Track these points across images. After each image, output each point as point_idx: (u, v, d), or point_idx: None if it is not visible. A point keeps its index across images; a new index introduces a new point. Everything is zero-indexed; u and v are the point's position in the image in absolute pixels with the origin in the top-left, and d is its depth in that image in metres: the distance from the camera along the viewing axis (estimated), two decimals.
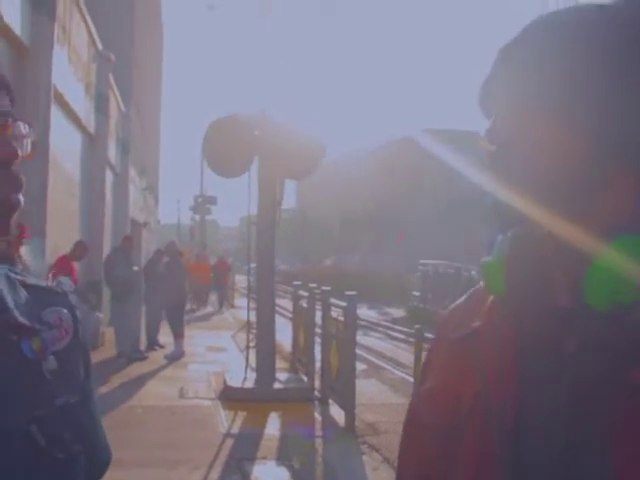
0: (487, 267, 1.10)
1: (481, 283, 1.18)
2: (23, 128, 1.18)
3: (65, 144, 13.11)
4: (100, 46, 16.88)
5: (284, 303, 21.04)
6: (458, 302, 1.26)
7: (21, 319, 1.18)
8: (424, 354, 7.09)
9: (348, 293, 9.56)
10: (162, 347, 15.32)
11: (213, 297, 31.35)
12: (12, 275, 1.26)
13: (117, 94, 20.54)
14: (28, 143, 1.20)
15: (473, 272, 23.34)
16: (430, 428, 1.14)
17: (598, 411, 0.95)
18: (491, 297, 1.13)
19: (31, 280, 1.30)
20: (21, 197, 1.12)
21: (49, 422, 1.16)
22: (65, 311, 1.30)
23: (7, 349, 1.15)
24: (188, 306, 23.42)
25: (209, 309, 29.29)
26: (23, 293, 1.25)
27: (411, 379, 7.43)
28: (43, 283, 1.34)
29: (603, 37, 0.97)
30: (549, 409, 1.00)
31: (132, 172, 25.12)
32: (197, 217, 47.04)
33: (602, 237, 0.97)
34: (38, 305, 1.26)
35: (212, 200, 43.70)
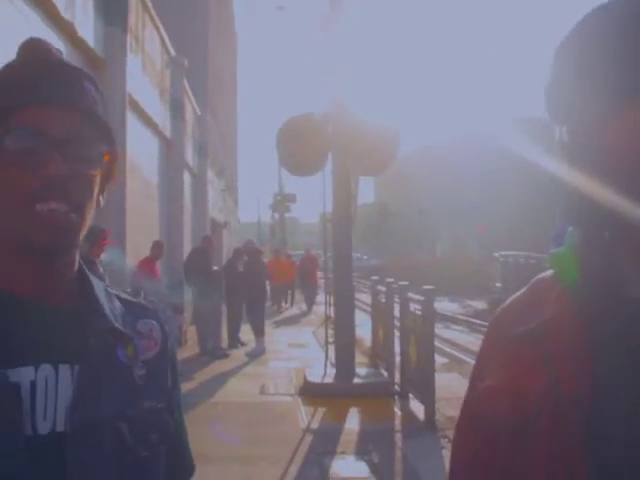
0: (558, 257, 1.10)
1: (540, 276, 1.18)
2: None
3: (143, 149, 13.42)
4: (173, 52, 17.19)
5: (365, 298, 21.08)
6: (515, 297, 1.22)
7: (117, 325, 1.30)
8: None
9: (425, 287, 9.54)
10: (244, 345, 15.52)
11: (300, 296, 28.89)
12: (109, 290, 1.39)
13: (192, 98, 20.87)
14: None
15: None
16: (493, 425, 1.09)
17: None
18: (558, 289, 1.09)
19: (125, 296, 1.43)
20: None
21: (137, 422, 1.26)
22: (156, 324, 1.42)
23: (104, 352, 1.26)
24: (269, 305, 22.98)
25: (294, 310, 27.14)
26: (119, 305, 1.37)
27: None
28: (135, 300, 1.46)
29: None
30: (626, 404, 0.96)
31: (210, 174, 25.50)
32: (276, 215, 47.29)
33: None
34: (132, 316, 1.38)
35: (291, 198, 43.79)
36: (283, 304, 27.99)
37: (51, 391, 1.18)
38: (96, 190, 1.26)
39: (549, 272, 1.15)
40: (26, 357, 1.18)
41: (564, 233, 1.12)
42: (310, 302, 26.40)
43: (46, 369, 1.18)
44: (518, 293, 1.21)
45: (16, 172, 1.17)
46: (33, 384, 1.16)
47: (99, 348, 1.25)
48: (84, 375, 1.21)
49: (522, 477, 1.04)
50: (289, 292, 28.94)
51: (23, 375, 1.15)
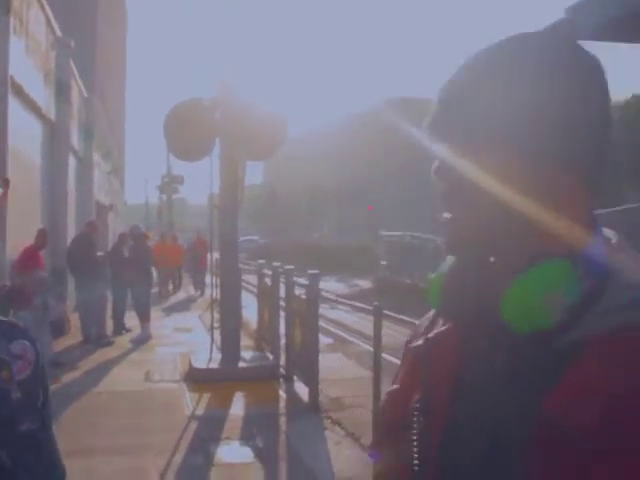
0: (429, 282, 1.18)
1: None
2: None
3: (25, 134, 13.10)
4: (59, 32, 16.76)
5: (252, 279, 21.15)
6: (428, 314, 1.31)
7: None
8: (383, 330, 7.26)
9: (310, 271, 9.70)
10: (129, 331, 15.39)
11: (188, 280, 28.48)
12: None
13: (79, 80, 20.42)
14: None
15: (439, 241, 23.59)
16: (388, 427, 1.27)
17: (517, 431, 0.99)
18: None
19: None
20: None
21: (14, 446, 1.31)
22: (28, 344, 1.45)
23: None
24: (156, 291, 22.46)
25: (181, 294, 26.44)
26: None
27: None
28: (5, 319, 1.49)
29: (532, 65, 1.03)
30: (474, 424, 1.06)
31: (96, 156, 25.02)
32: (164, 197, 46.71)
33: (528, 264, 1.02)
34: (6, 338, 1.42)
35: (179, 179, 43.32)
36: (170, 288, 26.90)
37: None
38: None
39: None
40: None
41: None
42: (201, 286, 25.98)
43: None
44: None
45: None
46: None
47: None
48: None
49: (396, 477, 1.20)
50: (176, 276, 27.83)
51: None
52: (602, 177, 1.08)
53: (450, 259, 1.16)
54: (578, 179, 1.04)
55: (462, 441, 1.07)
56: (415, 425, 1.14)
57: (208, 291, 22.54)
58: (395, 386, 1.28)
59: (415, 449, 1.14)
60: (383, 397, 1.34)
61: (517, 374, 1.03)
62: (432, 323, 1.25)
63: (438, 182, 1.08)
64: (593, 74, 1.06)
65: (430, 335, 1.20)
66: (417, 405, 1.15)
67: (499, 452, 1.01)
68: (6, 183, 1.37)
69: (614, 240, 1.09)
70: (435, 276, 1.17)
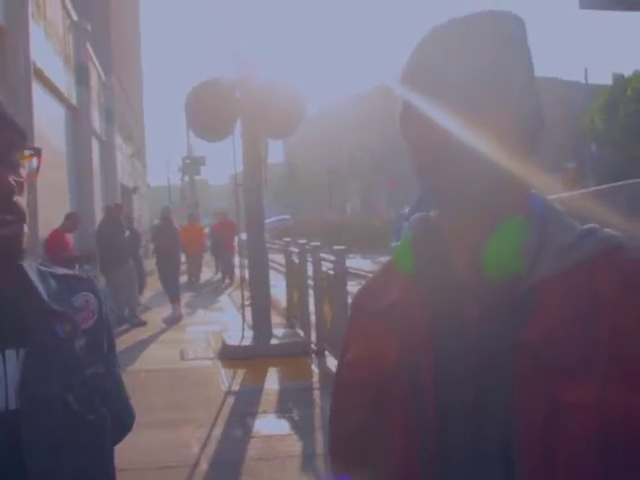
0: (397, 250, 1.27)
1: (389, 259, 1.36)
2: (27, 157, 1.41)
3: (49, 119, 13.24)
4: (75, 17, 16.87)
5: (278, 258, 21.22)
6: (372, 278, 1.42)
7: (54, 306, 1.43)
8: None
9: (336, 247, 9.76)
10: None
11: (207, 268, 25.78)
12: (42, 268, 1.51)
13: (96, 63, 20.53)
14: (33, 165, 1.43)
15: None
16: (357, 390, 1.27)
17: (501, 368, 1.10)
18: (399, 276, 1.27)
19: (59, 271, 1.55)
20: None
21: (81, 390, 1.41)
22: (91, 295, 1.54)
23: (46, 333, 1.40)
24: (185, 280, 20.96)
25: (208, 274, 24.57)
26: (53, 283, 1.50)
27: None
28: (71, 272, 1.58)
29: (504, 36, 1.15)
30: (461, 371, 1.15)
31: (118, 139, 25.17)
32: (186, 178, 46.80)
33: (496, 219, 1.14)
34: (68, 292, 1.51)
35: (200, 160, 43.36)
36: (223, 278, 23.38)
37: (0, 375, 1.31)
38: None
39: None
40: None
41: (401, 227, 1.31)
42: (227, 271, 23.07)
43: None
44: (375, 275, 1.42)
45: None
46: None
47: (39, 329, 1.38)
48: (28, 357, 1.34)
49: (384, 435, 1.23)
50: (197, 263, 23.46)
51: None
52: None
53: (408, 226, 1.28)
54: (536, 138, 1.19)
55: (453, 385, 1.15)
56: (399, 382, 1.20)
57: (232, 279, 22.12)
58: (354, 352, 1.32)
59: (409, 403, 1.19)
60: (341, 365, 1.38)
61: (491, 321, 1.14)
62: (384, 286, 1.32)
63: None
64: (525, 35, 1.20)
65: (392, 298, 1.28)
66: (401, 363, 1.20)
67: (487, 387, 1.12)
68: (38, 154, 1.43)
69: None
70: (401, 243, 1.27)
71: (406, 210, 1.42)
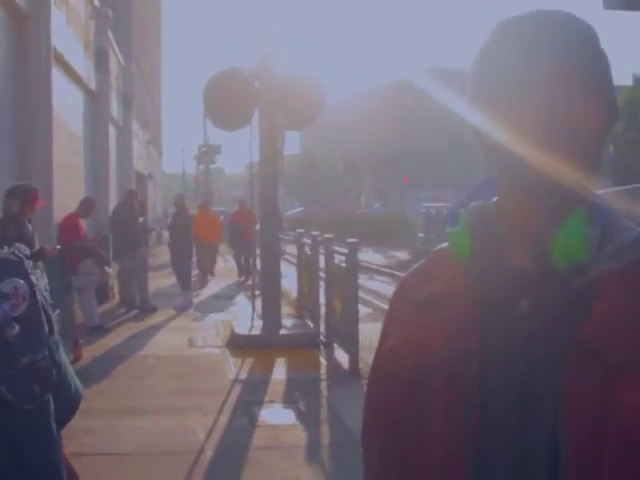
0: (453, 236, 1.27)
1: (438, 248, 1.35)
2: None
3: (68, 104, 13.31)
4: (97, 3, 16.92)
5: (290, 249, 21.23)
6: (416, 267, 1.38)
7: None
8: None
9: (349, 240, 9.77)
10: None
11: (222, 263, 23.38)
12: None
13: (116, 50, 20.57)
14: None
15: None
16: (398, 379, 1.25)
17: (550, 360, 1.10)
18: (453, 262, 1.26)
19: None
20: None
21: (17, 380, 1.38)
22: (20, 280, 1.50)
23: None
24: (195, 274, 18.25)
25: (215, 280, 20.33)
26: None
27: None
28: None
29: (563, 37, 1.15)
30: (508, 360, 1.14)
31: (135, 126, 25.23)
32: (202, 167, 46.74)
33: (560, 210, 1.15)
34: None
35: (216, 149, 43.18)
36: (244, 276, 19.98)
37: None
38: None
39: (444, 246, 1.33)
40: None
41: (458, 214, 1.30)
42: (248, 268, 18.90)
43: None
44: (419, 263, 1.39)
45: None
46: None
47: None
48: None
49: (425, 423, 1.21)
50: (211, 257, 20.98)
51: None
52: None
53: (465, 213, 1.28)
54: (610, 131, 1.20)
55: (500, 376, 1.14)
56: (444, 370, 1.19)
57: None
58: (395, 340, 1.30)
59: (452, 394, 1.17)
60: (381, 352, 1.36)
61: (543, 313, 1.14)
62: (430, 276, 1.31)
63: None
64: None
65: (441, 286, 1.26)
66: (446, 352, 1.19)
67: (537, 379, 1.12)
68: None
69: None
70: (458, 230, 1.27)
71: (462, 198, 1.42)
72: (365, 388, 1.44)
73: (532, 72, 1.13)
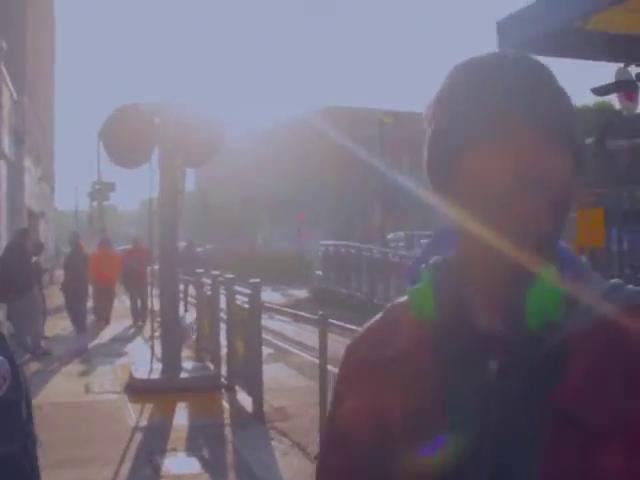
0: (416, 294, 1.18)
1: (393, 305, 1.28)
2: None
3: None
4: None
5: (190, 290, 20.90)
6: (370, 324, 1.30)
7: None
8: (328, 340, 7.22)
9: (252, 280, 9.64)
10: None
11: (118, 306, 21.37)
12: None
13: (9, 83, 20.02)
14: None
15: (375, 251, 23.74)
16: (356, 444, 1.19)
17: (524, 431, 1.04)
18: (414, 320, 1.18)
19: None
20: None
21: None
22: (2, 358, 1.32)
23: None
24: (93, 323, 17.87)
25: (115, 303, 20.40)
26: None
27: (317, 361, 7.55)
28: None
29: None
30: (479, 430, 1.07)
31: (27, 162, 24.56)
32: (95, 203, 45.86)
33: (528, 267, 1.07)
34: None
35: (111, 187, 42.53)
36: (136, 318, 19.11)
37: None
38: None
39: (401, 302, 1.26)
40: None
41: (416, 270, 1.22)
42: (142, 310, 18.66)
43: None
44: (372, 320, 1.30)
45: None
46: None
47: None
48: None
49: None
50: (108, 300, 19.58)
51: None
52: None
53: (428, 270, 1.19)
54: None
55: (468, 449, 1.07)
56: (410, 441, 1.12)
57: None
58: (354, 402, 1.22)
59: (411, 465, 1.11)
60: (338, 415, 1.27)
61: (513, 376, 1.07)
62: (388, 333, 1.23)
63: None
64: None
65: (402, 345, 1.19)
66: (409, 420, 1.13)
67: (509, 447, 1.05)
68: None
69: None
70: (421, 287, 1.18)
71: (417, 252, 1.32)
72: (321, 453, 1.34)
73: (498, 118, 1.07)
